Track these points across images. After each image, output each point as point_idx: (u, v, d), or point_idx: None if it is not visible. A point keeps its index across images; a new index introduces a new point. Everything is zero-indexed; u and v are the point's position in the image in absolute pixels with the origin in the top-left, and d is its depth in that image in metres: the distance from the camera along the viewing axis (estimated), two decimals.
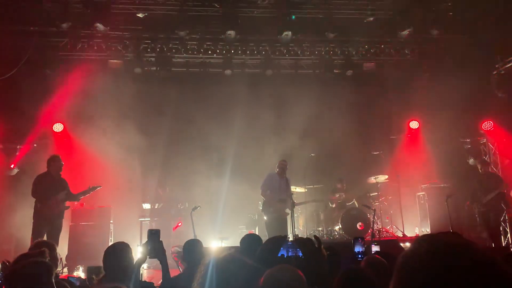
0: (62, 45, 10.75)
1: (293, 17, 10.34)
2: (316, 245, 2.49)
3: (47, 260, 2.87)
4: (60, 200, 7.97)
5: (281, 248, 2.34)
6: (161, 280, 3.28)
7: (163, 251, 3.29)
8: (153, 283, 3.37)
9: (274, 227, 8.46)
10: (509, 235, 10.53)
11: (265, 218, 8.87)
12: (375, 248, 5.10)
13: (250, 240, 4.66)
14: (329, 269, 2.64)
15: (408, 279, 1.01)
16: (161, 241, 3.27)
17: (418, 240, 1.08)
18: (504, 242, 9.83)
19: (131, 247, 3.60)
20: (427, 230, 10.60)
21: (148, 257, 3.28)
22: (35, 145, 10.83)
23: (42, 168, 8.36)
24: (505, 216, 10.49)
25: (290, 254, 2.32)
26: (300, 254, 2.30)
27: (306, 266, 2.24)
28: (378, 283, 2.48)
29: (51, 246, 4.20)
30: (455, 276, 0.96)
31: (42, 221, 7.76)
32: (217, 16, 10.59)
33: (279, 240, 2.34)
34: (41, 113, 10.42)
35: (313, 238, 2.49)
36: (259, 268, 2.16)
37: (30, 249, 6.58)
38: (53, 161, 8.20)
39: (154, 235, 3.26)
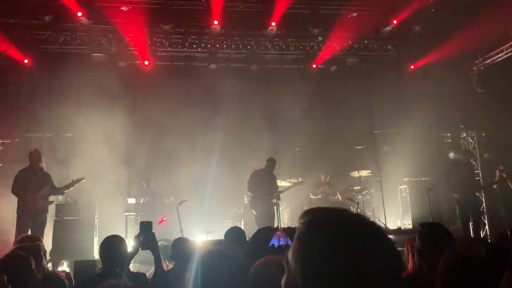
0: (45, 38, 10.59)
1: None
2: None
3: (26, 253, 2.88)
4: (43, 195, 7.90)
5: (272, 238, 2.41)
6: (154, 271, 3.33)
7: (156, 242, 3.33)
8: (145, 274, 3.40)
9: (264, 221, 8.60)
10: (487, 226, 10.86)
11: (254, 213, 9.00)
12: None
13: (234, 233, 4.72)
14: None
15: (304, 244, 1.06)
16: (153, 233, 3.31)
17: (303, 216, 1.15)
18: (482, 234, 10.12)
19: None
20: (408, 222, 10.84)
21: (140, 248, 3.32)
22: (16, 139, 10.69)
23: (25, 162, 8.28)
24: (483, 208, 10.82)
25: (281, 243, 2.40)
26: (290, 243, 2.37)
27: None
28: None
29: (36, 240, 4.19)
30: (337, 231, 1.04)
31: (25, 217, 7.68)
32: (202, 10, 10.58)
33: (269, 231, 2.41)
34: (23, 107, 10.29)
35: None
36: (246, 262, 2.21)
37: (14, 244, 6.53)
38: (32, 155, 8.13)
39: (146, 227, 3.30)
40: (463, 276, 2.08)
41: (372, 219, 1.11)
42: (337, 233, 1.04)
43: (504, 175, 9.97)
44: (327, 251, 1.01)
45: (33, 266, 2.73)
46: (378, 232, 1.07)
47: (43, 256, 3.52)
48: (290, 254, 1.09)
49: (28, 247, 3.38)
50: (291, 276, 1.08)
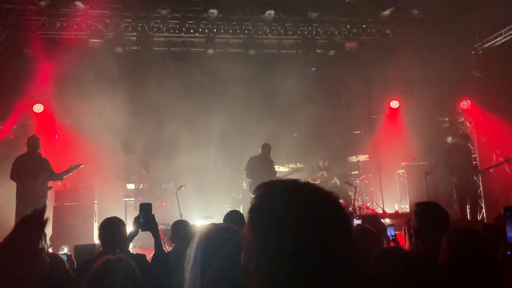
0: (41, 24, 10.48)
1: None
2: None
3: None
4: (42, 181, 7.93)
5: None
6: (154, 252, 3.36)
7: (155, 224, 3.35)
8: (145, 255, 3.44)
9: None
10: (484, 210, 10.95)
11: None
12: (356, 222, 5.31)
13: (233, 216, 4.75)
14: None
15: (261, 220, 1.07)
16: (153, 214, 3.34)
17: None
18: (479, 217, 10.20)
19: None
20: (406, 206, 10.91)
21: (140, 230, 3.35)
22: (14, 126, 10.68)
23: (23, 149, 8.28)
24: (480, 192, 10.89)
25: None
26: None
27: None
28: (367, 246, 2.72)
29: None
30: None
31: (25, 202, 7.73)
32: None
33: None
34: (21, 94, 10.25)
35: None
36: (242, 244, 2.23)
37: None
38: (30, 141, 8.15)
39: (146, 209, 3.33)
40: (466, 249, 2.12)
41: (323, 187, 1.11)
42: (287, 203, 1.05)
43: (501, 159, 10.02)
44: (278, 221, 1.02)
45: (40, 246, 2.76)
46: (327, 199, 1.08)
47: (42, 238, 3.55)
48: (245, 229, 1.10)
49: None
50: (247, 251, 1.09)
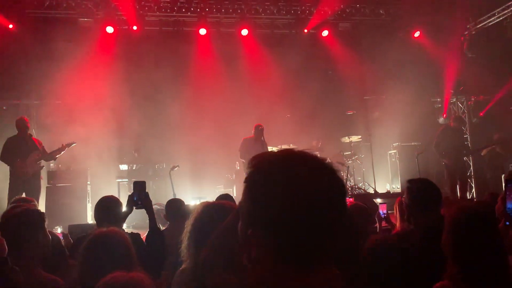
0: (29, 2, 10.26)
1: None
2: None
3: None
4: (32, 160, 7.89)
5: None
6: (149, 229, 3.37)
7: (150, 201, 3.36)
8: (139, 234, 3.45)
9: None
10: (474, 190, 11.11)
11: None
12: (349, 201, 5.36)
13: (224, 199, 4.76)
14: None
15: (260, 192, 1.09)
16: (147, 192, 3.34)
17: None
18: (469, 196, 10.35)
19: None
20: (397, 186, 11.03)
21: (134, 208, 3.35)
22: (4, 107, 10.57)
23: (14, 131, 8.22)
24: (471, 172, 11.02)
25: None
26: None
27: None
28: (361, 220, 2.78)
29: (30, 201, 4.23)
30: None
31: (17, 183, 7.73)
32: None
33: None
34: (10, 74, 10.09)
35: None
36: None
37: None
38: (19, 123, 8.11)
39: (140, 186, 3.33)
40: (478, 231, 2.14)
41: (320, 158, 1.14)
42: (281, 170, 1.07)
43: (494, 145, 10.04)
44: (273, 188, 1.05)
45: (45, 224, 2.76)
46: (320, 164, 1.11)
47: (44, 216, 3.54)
48: (241, 198, 1.13)
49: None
50: (245, 218, 1.12)
